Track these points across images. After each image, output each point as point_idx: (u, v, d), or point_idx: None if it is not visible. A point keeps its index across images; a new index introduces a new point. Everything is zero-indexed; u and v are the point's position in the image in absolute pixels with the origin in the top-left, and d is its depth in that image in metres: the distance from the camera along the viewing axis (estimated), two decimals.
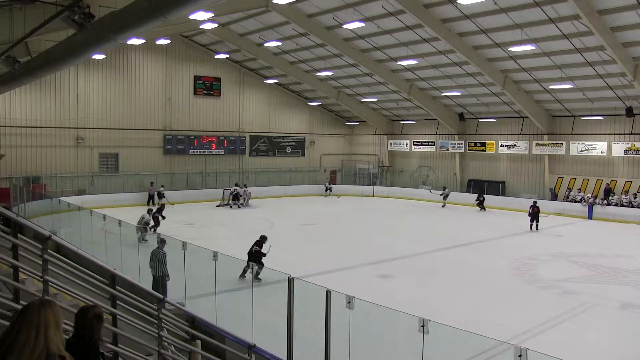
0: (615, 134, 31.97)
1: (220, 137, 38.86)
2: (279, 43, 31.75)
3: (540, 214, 25.51)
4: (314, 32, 29.50)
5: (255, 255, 14.59)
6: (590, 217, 30.07)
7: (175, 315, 7.28)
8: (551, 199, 33.25)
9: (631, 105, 29.56)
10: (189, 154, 37.21)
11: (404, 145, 43.46)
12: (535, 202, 26.38)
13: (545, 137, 34.68)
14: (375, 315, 8.44)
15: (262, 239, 15.47)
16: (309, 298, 8.82)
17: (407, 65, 31.90)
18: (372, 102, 41.25)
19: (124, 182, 33.38)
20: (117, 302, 5.91)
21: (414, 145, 42.75)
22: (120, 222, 14.62)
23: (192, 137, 37.31)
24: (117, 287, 6.01)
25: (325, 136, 45.88)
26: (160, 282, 11.82)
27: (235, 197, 31.82)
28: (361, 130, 46.78)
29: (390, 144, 44.41)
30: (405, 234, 23.69)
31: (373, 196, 39.64)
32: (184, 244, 11.45)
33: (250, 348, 7.66)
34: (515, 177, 36.94)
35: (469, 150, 39.02)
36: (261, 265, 13.24)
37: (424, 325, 6.74)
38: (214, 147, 38.54)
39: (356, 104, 41.56)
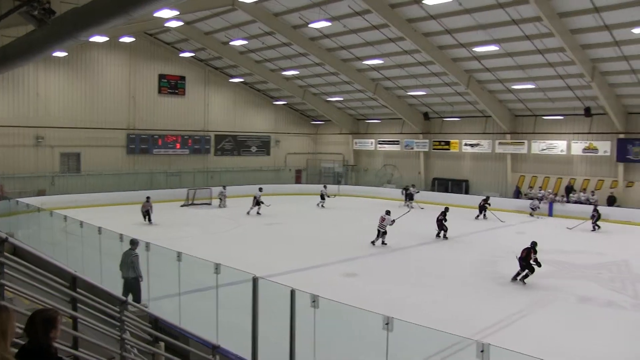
0: (574, 134, 32.73)
1: (185, 137, 38.47)
2: (244, 42, 31.59)
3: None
4: (280, 31, 29.42)
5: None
6: (550, 214, 30.69)
7: (138, 317, 7.18)
8: (514, 197, 33.82)
9: (589, 106, 30.29)
10: (152, 153, 36.75)
11: (369, 144, 43.71)
12: (487, 197, 29.40)
13: (508, 136, 35.29)
14: (340, 313, 8.46)
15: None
16: (274, 297, 8.79)
17: (373, 64, 32.08)
18: (338, 101, 41.37)
19: (86, 183, 32.71)
20: (78, 305, 5.79)
21: (379, 144, 43.03)
22: (81, 223, 14.33)
23: (156, 136, 36.87)
24: (78, 289, 5.88)
25: (290, 135, 45.83)
26: (133, 284, 11.56)
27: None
28: (326, 129, 46.87)
29: (356, 143, 44.61)
30: (370, 232, 23.77)
31: (338, 195, 39.70)
32: (147, 245, 11.29)
33: (215, 349, 7.59)
34: (479, 176, 37.48)
35: (433, 149, 39.47)
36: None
37: (388, 323, 6.77)
38: (178, 147, 38.15)
39: (322, 103, 41.63)
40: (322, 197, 33.45)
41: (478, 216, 29.04)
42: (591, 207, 27.57)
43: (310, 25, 27.21)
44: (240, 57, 35.74)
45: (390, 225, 20.40)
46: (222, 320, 9.27)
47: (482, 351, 6.03)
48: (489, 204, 29.31)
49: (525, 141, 34.59)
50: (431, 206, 32.60)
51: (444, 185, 37.32)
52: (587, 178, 32.60)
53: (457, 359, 7.83)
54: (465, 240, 21.88)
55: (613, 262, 18.12)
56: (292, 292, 7.84)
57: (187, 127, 38.65)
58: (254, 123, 43.21)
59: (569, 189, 32.44)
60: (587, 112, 30.54)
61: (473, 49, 26.84)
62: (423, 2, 21.94)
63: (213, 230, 23.78)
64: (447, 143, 38.60)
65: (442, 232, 22.30)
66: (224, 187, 32.86)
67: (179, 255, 10.17)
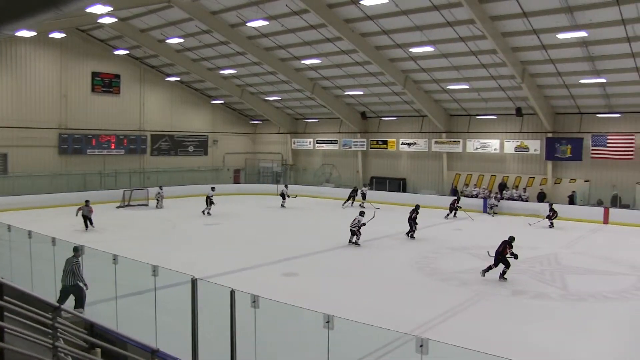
0: (506, 133, 33.86)
1: (120, 136, 37.52)
2: (181, 40, 31.10)
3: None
4: (217, 29, 29.08)
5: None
6: (485, 211, 31.59)
7: (73, 324, 6.94)
8: (451, 195, 34.60)
9: (520, 106, 31.40)
10: (86, 153, 35.65)
11: (307, 143, 43.83)
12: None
13: (444, 135, 36.11)
14: (281, 313, 8.45)
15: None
16: (214, 299, 8.69)
17: (311, 64, 32.18)
18: (276, 100, 41.30)
19: (14, 185, 31.36)
20: (5, 313, 5.53)
21: (317, 143, 43.22)
22: (9, 227, 13.70)
23: (90, 136, 35.78)
24: (6, 297, 5.63)
25: (228, 135, 45.41)
26: (74, 292, 11.03)
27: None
28: (265, 128, 46.73)
29: (294, 142, 44.66)
30: (309, 231, 23.88)
31: (277, 195, 39.62)
32: (82, 248, 10.96)
33: (154, 353, 7.42)
34: (416, 174, 38.21)
35: (371, 148, 39.96)
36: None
37: (328, 321, 6.80)
38: (113, 147, 37.16)
39: (260, 102, 41.46)
40: (283, 197, 33.27)
41: (448, 215, 29.33)
42: (522, 204, 28.64)
43: (247, 24, 27.03)
44: (176, 55, 35.14)
45: (362, 226, 20.31)
46: (161, 323, 9.09)
47: (421, 346, 6.13)
48: (460, 206, 29.69)
49: (461, 140, 35.52)
50: (368, 205, 32.97)
51: (382, 183, 37.83)
52: (519, 175, 33.81)
53: (397, 355, 7.97)
54: (403, 237, 22.23)
55: (544, 255, 18.83)
56: (232, 293, 7.77)
57: (122, 126, 37.68)
58: (192, 122, 42.59)
59: (502, 186, 33.57)
60: (518, 112, 31.66)
61: (409, 50, 27.33)
62: (360, 2, 22.20)
63: (151, 231, 23.30)
64: (385, 142, 39.16)
65: (412, 231, 22.27)
66: (161, 187, 32.16)
67: (115, 257, 9.91)
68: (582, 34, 22.43)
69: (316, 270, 16.39)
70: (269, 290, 11.20)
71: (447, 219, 28.57)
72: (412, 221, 22.34)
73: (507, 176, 34.19)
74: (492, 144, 34.42)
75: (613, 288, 14.76)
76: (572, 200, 30.56)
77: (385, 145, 39.21)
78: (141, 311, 10.62)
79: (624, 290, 14.62)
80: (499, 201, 31.06)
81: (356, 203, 33.07)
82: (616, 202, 29.64)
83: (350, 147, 40.95)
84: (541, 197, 31.56)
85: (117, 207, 30.63)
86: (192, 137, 42.64)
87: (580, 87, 28.22)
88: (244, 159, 46.53)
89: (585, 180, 31.42)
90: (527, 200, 31.19)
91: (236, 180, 43.79)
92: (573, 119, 31.60)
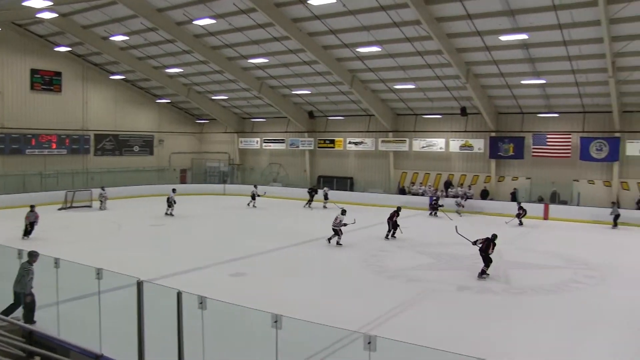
0: (451, 132, 34.54)
1: (62, 136, 36.44)
2: (125, 37, 30.45)
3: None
4: (163, 27, 28.54)
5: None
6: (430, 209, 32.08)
7: (9, 332, 6.68)
8: (398, 193, 35.08)
9: (465, 106, 32.07)
10: (25, 154, 34.48)
11: (254, 143, 43.65)
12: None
13: (390, 134, 36.55)
14: (229, 314, 8.38)
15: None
16: (160, 301, 8.55)
17: (258, 63, 32.03)
18: (223, 99, 40.94)
19: None
20: None
21: (264, 142, 43.09)
22: None
23: (29, 135, 34.59)
24: None
25: (174, 134, 44.74)
26: (28, 301, 10.49)
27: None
28: (212, 128, 46.26)
29: (241, 141, 44.39)
30: (257, 231, 23.76)
31: (224, 194, 39.34)
32: (20, 252, 10.56)
33: (98, 358, 7.25)
34: (363, 173, 38.54)
35: (318, 147, 40.10)
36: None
37: (277, 320, 6.79)
38: (54, 147, 36.06)
39: (206, 101, 41.00)
40: (253, 197, 33.00)
41: (431, 213, 30.27)
42: (468, 202, 29.31)
43: (194, 22, 26.72)
44: (121, 53, 34.34)
45: (343, 227, 20.25)
46: (106, 328, 8.87)
47: (369, 343, 6.18)
48: (442, 205, 30.57)
49: (407, 139, 36.05)
50: (316, 204, 33.08)
51: (329, 182, 37.95)
52: (464, 174, 34.56)
53: (346, 353, 8.01)
54: (353, 236, 22.37)
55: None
56: (179, 295, 7.66)
57: (64, 125, 36.58)
58: (137, 122, 41.77)
59: (448, 184, 34.26)
60: (463, 111, 32.34)
61: (356, 50, 27.54)
62: (308, 2, 22.22)
63: (95, 233, 22.70)
64: (332, 141, 39.36)
65: (393, 231, 22.18)
66: (103, 188, 31.28)
67: (57, 261, 9.61)
68: (523, 36, 23.14)
69: (264, 270, 16.32)
70: (216, 291, 11.09)
71: (430, 217, 29.61)
72: (393, 222, 22.20)
73: (453, 174, 34.91)
74: (438, 143, 35.08)
75: (552, 281, 15.26)
76: (514, 197, 31.44)
77: (332, 145, 39.42)
78: (84, 316, 10.35)
79: (562, 283, 15.15)
80: (465, 200, 31.33)
81: (320, 204, 32.96)
82: (555, 198, 30.69)
83: (298, 147, 40.98)
84: (484, 195, 32.38)
85: (59, 209, 29.69)
86: (137, 136, 41.81)
87: (521, 87, 29.09)
88: (190, 158, 45.93)
89: (527, 178, 32.42)
90: (471, 198, 31.91)
91: (183, 181, 43.18)
92: (515, 118, 32.53)
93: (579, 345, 10.26)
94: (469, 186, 33.59)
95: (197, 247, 19.69)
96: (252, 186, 34.32)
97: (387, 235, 22.21)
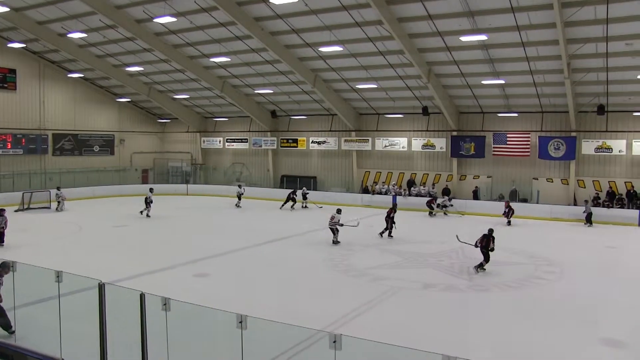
0: (414, 131, 34.90)
1: (18, 135, 35.48)
2: (84, 35, 29.79)
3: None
4: (122, 24, 28.03)
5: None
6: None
7: None
8: (361, 192, 35.23)
9: (426, 105, 32.42)
10: None
11: (217, 142, 43.34)
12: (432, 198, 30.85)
13: (353, 133, 36.72)
14: (194, 314, 8.31)
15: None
16: (123, 303, 8.41)
17: (220, 62, 31.81)
18: (185, 98, 40.52)
19: None
20: None
21: (227, 142, 42.83)
22: None
23: None
24: None
25: (136, 134, 44.06)
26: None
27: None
28: (174, 127, 45.73)
29: (204, 141, 44.03)
30: (221, 231, 23.59)
31: (187, 194, 38.97)
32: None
33: None
34: (326, 172, 38.62)
35: (281, 146, 40.05)
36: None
37: (242, 321, 6.76)
38: (9, 146, 35.08)
39: (168, 100, 40.51)
40: (239, 197, 32.80)
41: (431, 213, 30.17)
42: (427, 198, 29.67)
43: (155, 20, 26.35)
44: (79, 50, 33.61)
45: (340, 226, 20.37)
46: (67, 332, 8.69)
47: (334, 342, 6.21)
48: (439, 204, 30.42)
49: (370, 138, 36.26)
50: (280, 204, 33.05)
51: (292, 182, 37.96)
52: (426, 172, 34.96)
53: (311, 352, 8.03)
54: (317, 235, 22.41)
55: (452, 249, 19.54)
56: (142, 296, 7.55)
57: (19, 125, 35.64)
58: (96, 121, 40.98)
59: (411, 183, 34.61)
60: (425, 111, 32.69)
61: (319, 49, 27.58)
62: (270, 1, 22.15)
63: (54, 235, 22.19)
64: (295, 141, 39.36)
65: (389, 230, 22.21)
66: (59, 188, 30.48)
67: (13, 264, 9.37)
68: (483, 37, 23.55)
69: (229, 270, 16.22)
70: (181, 292, 11.01)
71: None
72: (390, 220, 22.26)
73: (415, 173, 35.29)
74: (400, 142, 35.40)
75: (514, 277, 15.57)
76: (476, 196, 31.96)
77: (295, 144, 39.42)
78: (44, 321, 10.12)
79: (524, 278, 15.46)
80: (450, 200, 30.90)
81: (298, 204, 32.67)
82: (515, 196, 31.28)
83: (261, 146, 40.87)
84: (446, 193, 32.79)
85: (16, 211, 28.89)
86: (97, 136, 41.05)
87: (482, 87, 29.56)
88: (152, 158, 45.30)
89: (488, 177, 32.99)
90: (434, 196, 32.28)
91: (144, 181, 42.53)
92: (476, 118, 33.06)
93: (541, 338, 10.48)
94: (433, 184, 34.00)
95: (161, 248, 19.45)
96: (237, 186, 34.07)
97: (382, 233, 22.29)
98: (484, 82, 28.56)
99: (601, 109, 28.47)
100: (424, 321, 11.58)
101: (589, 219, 26.84)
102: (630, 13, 20.83)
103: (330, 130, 37.91)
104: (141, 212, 27.57)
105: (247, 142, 41.76)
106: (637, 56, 23.90)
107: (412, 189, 34.14)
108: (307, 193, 33.15)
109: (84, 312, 8.91)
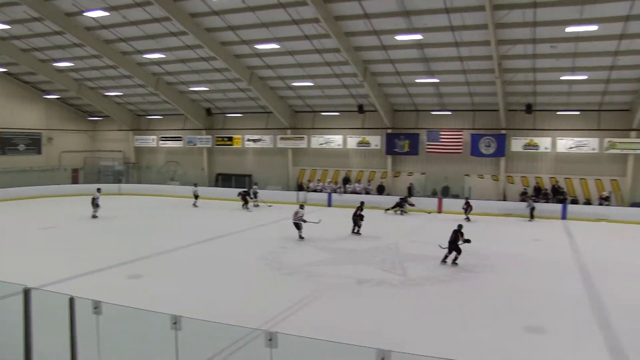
0: (349, 129, 35.23)
1: None
2: (6, 26, 28.41)
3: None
4: (50, 17, 26.82)
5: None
6: (329, 204, 32.59)
7: None
8: (296, 190, 35.24)
9: (362, 103, 32.79)
10: None
11: (150, 140, 42.48)
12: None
13: (289, 131, 36.73)
14: (126, 317, 8.07)
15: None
16: (51, 309, 8.07)
17: (154, 58, 31.16)
18: (117, 96, 39.47)
19: None
20: None
21: (161, 140, 42.06)
22: None
23: None
24: None
25: (65, 132, 42.56)
26: None
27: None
28: (105, 125, 44.45)
29: (137, 139, 43.07)
30: (155, 230, 23.09)
31: (119, 194, 37.95)
32: None
33: None
34: (262, 170, 38.47)
35: (216, 145, 39.66)
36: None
37: (176, 322, 6.64)
38: None
39: (99, 97, 39.33)
40: (196, 197, 32.01)
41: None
42: (366, 197, 29.87)
43: (85, 14, 25.54)
44: (1, 43, 32.08)
45: (303, 222, 20.61)
46: None
47: (270, 340, 6.18)
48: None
49: (305, 136, 36.37)
50: (216, 202, 32.71)
51: (228, 180, 37.68)
52: (361, 170, 35.35)
53: (247, 351, 7.94)
54: (250, 234, 22.27)
55: (385, 245, 19.83)
56: (71, 300, 7.27)
57: None
58: (22, 119, 39.31)
59: (346, 180, 34.91)
60: (360, 109, 33.06)
61: (255, 46, 27.44)
62: None
63: None
64: (230, 139, 39.06)
65: (358, 227, 22.38)
66: None
67: None
68: (418, 36, 24.03)
69: (163, 270, 15.88)
70: (114, 294, 10.71)
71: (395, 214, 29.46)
72: (358, 218, 22.45)
73: (350, 170, 35.64)
74: (336, 140, 35.68)
75: (446, 272, 15.92)
76: (410, 192, 32.51)
77: (230, 142, 39.12)
78: None
79: (455, 272, 15.83)
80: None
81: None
82: (447, 192, 32.07)
83: (195, 144, 40.32)
84: (381, 190, 33.31)
85: None
86: (23, 134, 39.41)
87: (416, 86, 30.16)
88: (82, 157, 43.87)
89: (422, 173, 33.68)
90: (369, 194, 32.69)
91: (74, 181, 41.11)
92: (410, 115, 33.68)
93: (471, 329, 10.75)
94: (369, 181, 34.43)
95: (92, 250, 18.80)
96: (192, 185, 33.38)
97: (353, 230, 22.55)
98: (418, 80, 29.15)
99: (529, 108, 29.64)
100: (359, 316, 11.67)
101: (531, 214, 27.77)
102: (555, 17, 21.84)
103: (266, 128, 37.78)
104: (93, 215, 26.46)
105: (181, 140, 41.11)
106: (562, 58, 24.98)
107: (347, 186, 34.46)
108: (257, 192, 32.60)
109: (7, 320, 8.48)
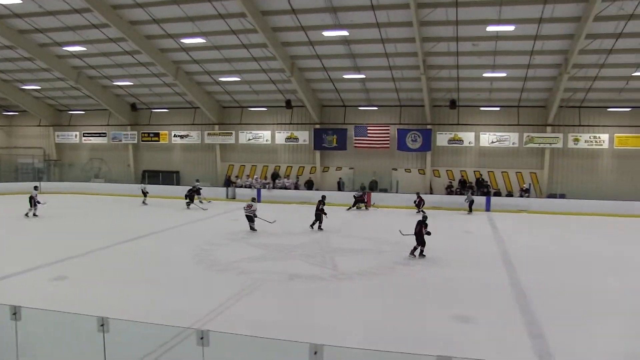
0: (277, 124, 35.20)
1: None
2: None
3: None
4: None
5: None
6: (259, 200, 32.44)
7: None
8: (225, 186, 34.93)
9: (290, 99, 32.80)
10: None
11: (73, 137, 40.96)
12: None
13: (217, 127, 36.32)
14: (49, 322, 7.76)
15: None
16: None
17: (74, 51, 30.01)
18: (35, 89, 37.74)
19: None
20: None
21: (84, 136, 40.62)
22: None
23: None
24: None
25: None
26: None
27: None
28: (23, 120, 42.46)
29: (58, 135, 41.38)
30: (79, 230, 22.29)
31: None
32: None
33: None
34: (190, 166, 37.91)
35: (142, 141, 38.73)
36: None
37: (103, 324, 6.46)
38: None
39: (15, 91, 37.49)
40: (145, 195, 31.19)
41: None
42: (294, 192, 30.07)
43: None
44: None
45: (255, 216, 21.06)
46: None
47: (201, 338, 6.13)
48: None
49: (233, 132, 36.10)
50: (138, 199, 31.95)
51: (155, 177, 36.87)
52: (290, 165, 35.40)
53: (179, 350, 7.81)
54: (181, 230, 21.90)
55: (316, 239, 19.94)
56: None
57: None
58: None
59: (275, 176, 34.87)
60: (288, 104, 33.06)
61: (181, 40, 26.95)
62: None
63: None
64: (157, 135, 38.23)
65: (319, 222, 22.36)
66: None
67: None
68: (344, 32, 24.25)
69: (90, 271, 15.36)
70: (35, 298, 10.30)
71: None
72: (321, 212, 22.41)
73: (279, 166, 35.64)
74: (264, 135, 35.58)
75: (376, 265, 16.17)
76: (339, 187, 32.86)
77: (157, 138, 38.29)
78: None
79: (385, 265, 16.11)
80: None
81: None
82: (376, 186, 32.62)
83: (121, 140, 39.21)
84: (309, 185, 33.49)
85: None
86: None
87: (343, 81, 30.47)
88: None
89: (350, 168, 34.08)
90: (298, 189, 32.81)
91: None
92: (338, 111, 34.00)
93: (401, 321, 10.98)
94: (297, 177, 34.52)
95: (9, 252, 17.95)
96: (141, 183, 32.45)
97: (313, 224, 22.59)
98: (345, 76, 29.46)
99: (453, 104, 30.51)
100: (291, 312, 11.71)
101: (470, 207, 28.52)
102: (475, 17, 22.69)
103: (193, 124, 37.20)
104: (26, 214, 25.40)
105: (105, 136, 39.85)
106: (483, 56, 25.91)
107: (276, 181, 34.44)
108: (201, 188, 31.77)
109: None
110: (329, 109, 34.28)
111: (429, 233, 17.12)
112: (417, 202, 28.08)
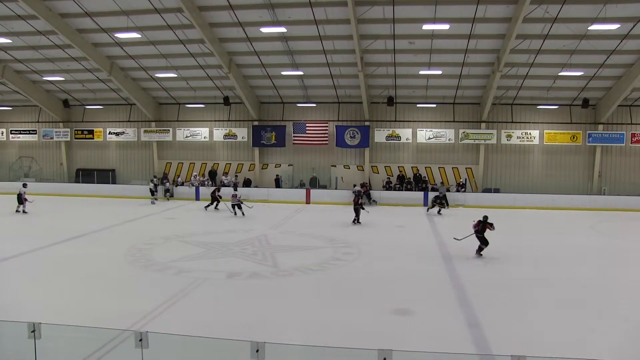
0: (215, 121, 34.84)
1: None
2: None
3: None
4: None
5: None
6: (197, 198, 32.03)
7: None
8: (162, 184, 34.28)
9: (228, 95, 32.51)
10: None
11: (0, 134, 39.21)
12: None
13: (153, 124, 35.61)
14: None
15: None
16: None
17: None
18: None
19: None
20: None
21: (11, 134, 39.00)
22: None
23: None
24: None
25: None
26: None
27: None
28: None
29: None
30: (5, 233, 21.37)
31: None
32: None
33: None
34: (126, 164, 37.04)
35: (75, 138, 37.53)
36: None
37: (34, 330, 6.22)
38: None
39: None
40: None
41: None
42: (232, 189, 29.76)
43: None
44: None
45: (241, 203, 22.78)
46: None
47: (140, 340, 6.01)
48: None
49: (170, 129, 35.50)
50: (81, 199, 31.05)
51: (89, 175, 35.81)
52: (229, 162, 35.13)
53: (117, 353, 7.62)
54: (113, 231, 21.37)
55: (255, 237, 19.87)
56: None
57: None
58: None
59: (213, 174, 34.52)
60: (226, 101, 32.76)
61: (115, 35, 26.22)
62: None
63: None
64: (91, 132, 37.15)
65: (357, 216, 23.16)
66: None
67: None
68: (282, 29, 24.24)
69: (17, 276, 14.76)
70: None
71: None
72: (359, 207, 23.20)
73: (218, 163, 35.28)
74: (202, 132, 35.17)
75: (316, 261, 16.26)
76: (278, 184, 32.81)
77: (91, 135, 37.20)
78: None
79: (325, 261, 16.22)
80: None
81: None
82: (315, 183, 32.76)
83: (52, 138, 37.86)
84: (248, 182, 33.35)
85: None
86: None
87: (282, 78, 30.45)
88: None
89: (289, 165, 34.08)
90: (237, 185, 32.55)
91: None
92: (276, 108, 33.94)
93: (340, 315, 11.08)
94: (236, 175, 34.25)
95: None
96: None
97: (354, 221, 23.41)
98: (283, 73, 29.43)
99: (390, 101, 30.99)
100: (231, 310, 11.62)
101: (445, 202, 28.51)
102: (412, 15, 23.16)
103: (128, 121, 36.32)
104: (16, 210, 24.80)
105: (36, 133, 38.37)
106: (419, 54, 26.43)
107: (215, 179, 34.11)
108: (158, 185, 31.00)
109: None
110: (267, 106, 34.16)
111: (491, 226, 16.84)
112: (363, 192, 27.73)
